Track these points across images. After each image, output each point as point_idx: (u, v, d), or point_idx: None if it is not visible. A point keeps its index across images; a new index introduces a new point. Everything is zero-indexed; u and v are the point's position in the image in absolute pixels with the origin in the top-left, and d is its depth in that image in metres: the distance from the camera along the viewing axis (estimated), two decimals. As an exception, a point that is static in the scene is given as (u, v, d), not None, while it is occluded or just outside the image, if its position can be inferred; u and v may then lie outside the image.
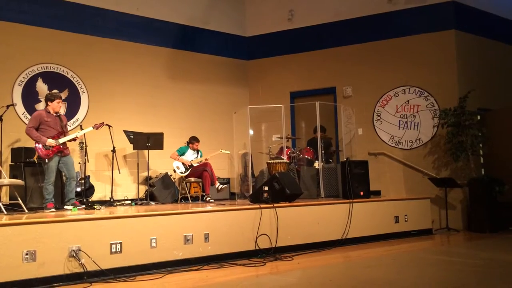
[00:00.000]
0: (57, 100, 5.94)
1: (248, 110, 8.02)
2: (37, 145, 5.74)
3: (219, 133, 8.94)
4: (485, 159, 8.22)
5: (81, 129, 6.64)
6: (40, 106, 7.35)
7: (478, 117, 8.15)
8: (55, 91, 6.16)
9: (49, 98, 5.94)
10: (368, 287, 3.97)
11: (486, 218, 7.35)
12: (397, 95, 8.49)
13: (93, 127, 6.34)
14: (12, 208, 5.92)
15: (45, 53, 7.50)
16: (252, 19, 9.83)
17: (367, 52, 8.71)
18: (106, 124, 6.90)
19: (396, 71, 8.48)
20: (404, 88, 8.44)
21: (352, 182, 6.79)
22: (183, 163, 7.71)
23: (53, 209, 5.71)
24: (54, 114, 5.97)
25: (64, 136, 5.96)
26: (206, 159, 7.78)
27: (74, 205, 5.86)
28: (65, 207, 5.95)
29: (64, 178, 6.12)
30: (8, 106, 6.73)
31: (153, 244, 4.76)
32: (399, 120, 8.43)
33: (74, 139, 6.08)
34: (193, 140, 7.93)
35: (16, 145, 6.96)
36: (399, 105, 8.45)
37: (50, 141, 5.75)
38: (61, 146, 5.86)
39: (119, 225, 4.62)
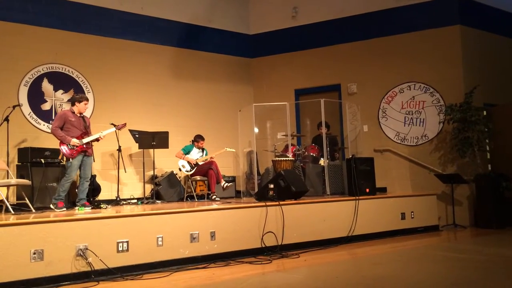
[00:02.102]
0: (85, 102, 6.09)
1: (252, 108, 8.01)
2: (62, 147, 5.82)
3: (224, 131, 8.95)
4: (491, 155, 8.17)
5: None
6: (46, 106, 7.40)
7: (484, 113, 8.09)
8: (82, 94, 6.31)
9: (77, 99, 6.05)
10: (374, 284, 3.96)
11: (493, 214, 7.31)
12: (402, 91, 8.45)
13: (115, 128, 6.44)
14: (19, 208, 5.96)
15: (50, 53, 7.53)
16: (256, 16, 9.81)
17: (371, 49, 8.68)
18: (112, 124, 6.95)
19: (401, 67, 8.44)
20: (409, 84, 8.40)
21: (358, 179, 6.78)
22: (188, 162, 7.72)
23: (64, 208, 5.76)
24: (78, 115, 6.05)
25: (87, 135, 6.03)
26: (211, 158, 7.79)
27: (84, 205, 5.90)
28: (75, 206, 6.00)
29: (78, 177, 6.17)
30: (14, 107, 6.76)
31: (160, 243, 4.78)
32: (405, 117, 8.40)
33: (97, 139, 6.17)
34: (198, 139, 7.93)
35: (22, 145, 7.00)
36: (404, 102, 8.42)
37: (75, 141, 5.83)
38: (85, 146, 5.92)
39: (125, 224, 4.64)
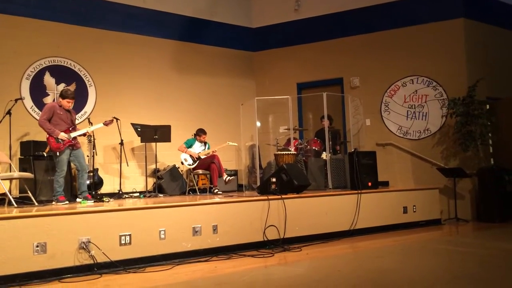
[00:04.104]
0: (68, 100, 5.96)
1: (255, 101, 8.00)
2: (50, 140, 5.79)
3: (226, 125, 8.93)
4: (494, 149, 8.15)
5: (89, 122, 6.69)
6: (48, 99, 7.40)
7: (487, 106, 8.06)
8: (71, 90, 6.16)
9: (62, 94, 5.97)
10: (376, 277, 3.97)
11: (496, 207, 7.31)
12: (405, 85, 8.42)
13: (103, 124, 6.40)
14: (22, 201, 5.97)
15: (52, 46, 7.51)
16: (258, 10, 9.76)
17: (374, 42, 8.63)
18: (114, 118, 6.95)
19: (404, 60, 8.39)
20: (412, 78, 8.37)
21: (360, 173, 6.76)
22: (190, 155, 7.72)
23: (67, 201, 5.77)
24: (65, 109, 6.02)
25: (74, 130, 6.02)
26: (213, 151, 7.78)
27: (86, 198, 5.91)
28: (77, 199, 6.02)
29: (76, 171, 6.17)
30: (16, 100, 6.76)
31: (162, 236, 4.79)
32: (407, 110, 8.37)
33: (84, 134, 6.15)
34: (200, 133, 7.93)
35: (25, 139, 7.00)
36: (407, 95, 8.39)
37: (63, 135, 5.80)
38: (72, 140, 5.91)
39: (128, 217, 4.65)
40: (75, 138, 5.97)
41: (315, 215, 5.99)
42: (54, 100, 7.43)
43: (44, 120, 5.80)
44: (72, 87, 7.56)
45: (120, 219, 4.60)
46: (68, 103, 5.98)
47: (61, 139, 5.78)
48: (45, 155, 6.51)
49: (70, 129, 5.95)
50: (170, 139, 7.59)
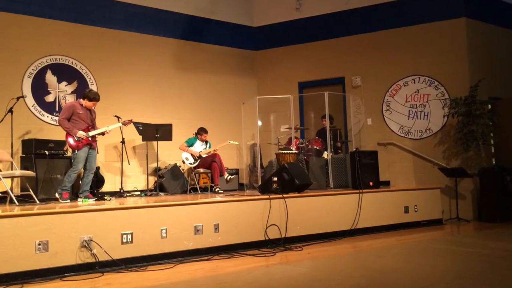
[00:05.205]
0: (93, 102, 6.06)
1: (256, 100, 7.99)
2: (68, 138, 5.85)
3: (228, 124, 8.93)
4: (496, 149, 8.14)
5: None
6: (50, 98, 7.40)
7: (489, 106, 8.05)
8: (97, 92, 6.18)
9: (87, 96, 6.01)
10: (378, 276, 3.97)
11: (497, 207, 7.31)
12: (406, 84, 8.40)
13: (122, 123, 6.51)
14: (23, 199, 5.97)
15: (54, 44, 7.51)
16: (260, 8, 9.75)
17: (376, 41, 8.62)
18: (115, 116, 6.97)
19: (405, 60, 8.38)
20: (414, 77, 8.35)
21: (362, 172, 6.76)
22: (192, 154, 7.72)
23: (68, 200, 5.81)
24: (86, 108, 6.06)
25: (93, 128, 6.05)
26: (214, 150, 7.78)
27: (87, 197, 5.93)
28: (78, 198, 6.03)
29: (83, 170, 6.20)
30: (18, 98, 6.75)
31: (164, 235, 4.79)
32: (409, 110, 8.36)
33: (103, 133, 6.20)
34: (201, 131, 7.93)
35: (26, 137, 7.00)
36: (408, 95, 8.38)
37: (81, 133, 5.84)
38: (90, 139, 5.94)
39: (130, 215, 4.66)
40: (93, 136, 6.01)
41: (317, 215, 5.99)
42: (55, 98, 7.45)
43: (63, 119, 5.86)
44: (73, 86, 7.57)
45: (122, 217, 4.60)
46: (93, 105, 6.08)
47: (79, 138, 5.82)
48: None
49: (89, 127, 5.98)
50: (172, 138, 7.60)
